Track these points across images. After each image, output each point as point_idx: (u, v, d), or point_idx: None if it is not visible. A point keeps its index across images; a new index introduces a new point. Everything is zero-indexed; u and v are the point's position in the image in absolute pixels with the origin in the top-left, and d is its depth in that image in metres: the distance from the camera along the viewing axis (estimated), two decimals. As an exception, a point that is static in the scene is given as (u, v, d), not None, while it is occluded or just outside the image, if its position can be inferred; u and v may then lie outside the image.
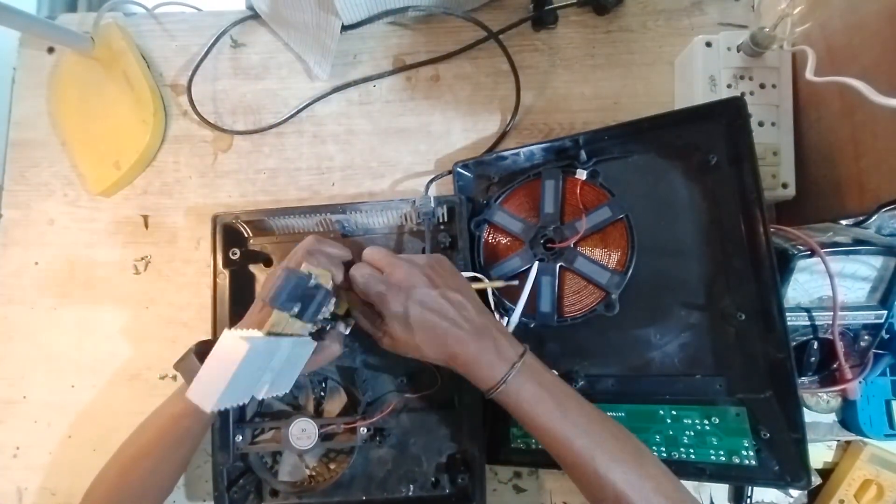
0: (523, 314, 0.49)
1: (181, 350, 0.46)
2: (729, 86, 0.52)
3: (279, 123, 0.60)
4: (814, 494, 0.54)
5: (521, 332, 0.49)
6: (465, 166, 0.54)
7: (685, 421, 0.45)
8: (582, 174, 0.50)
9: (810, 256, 0.42)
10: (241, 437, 0.50)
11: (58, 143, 0.61)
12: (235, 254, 0.53)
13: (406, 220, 0.53)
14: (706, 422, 0.44)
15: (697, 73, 0.53)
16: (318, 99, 0.60)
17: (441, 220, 0.53)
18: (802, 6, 0.47)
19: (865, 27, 0.44)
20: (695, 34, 0.55)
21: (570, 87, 0.60)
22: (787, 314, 0.43)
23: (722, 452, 0.43)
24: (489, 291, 0.49)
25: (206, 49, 0.61)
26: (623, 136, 0.50)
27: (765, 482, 0.43)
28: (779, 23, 0.48)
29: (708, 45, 0.53)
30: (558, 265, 0.49)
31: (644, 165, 0.50)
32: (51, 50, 0.63)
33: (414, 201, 0.51)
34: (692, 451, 0.44)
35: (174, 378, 0.56)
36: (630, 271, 0.47)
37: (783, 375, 0.42)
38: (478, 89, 0.60)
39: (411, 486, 0.51)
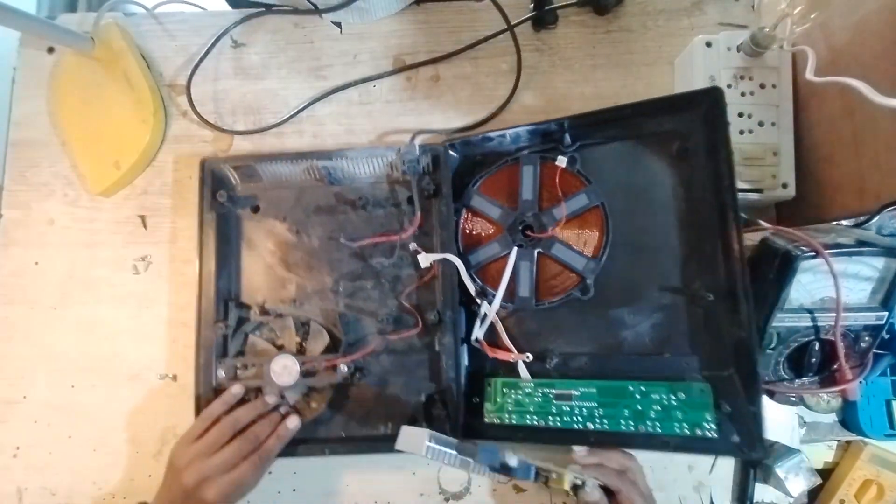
0: (502, 298, 0.50)
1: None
2: (729, 86, 0.52)
3: (279, 123, 0.60)
4: (814, 494, 0.54)
5: (504, 315, 0.51)
6: (452, 146, 0.55)
7: (653, 396, 0.46)
8: (562, 161, 0.51)
9: (814, 257, 0.42)
10: (222, 373, 0.51)
11: (58, 143, 0.61)
12: (223, 196, 0.54)
13: (392, 169, 0.54)
14: (672, 397, 0.46)
15: (697, 73, 0.53)
16: (318, 99, 0.60)
17: (426, 170, 0.54)
18: (802, 6, 0.47)
19: (865, 27, 0.44)
20: (695, 34, 0.55)
21: (570, 87, 0.60)
22: (790, 315, 0.44)
23: (686, 425, 0.45)
24: (463, 274, 0.50)
25: (206, 49, 0.61)
26: (606, 121, 0.51)
27: (724, 452, 0.46)
28: (779, 23, 0.48)
29: (708, 45, 0.53)
30: (536, 251, 0.51)
31: (624, 151, 0.51)
32: (51, 50, 0.63)
33: (399, 149, 0.52)
34: (658, 424, 0.46)
35: (174, 378, 0.56)
36: (604, 257, 0.49)
37: (745, 353, 0.44)
38: (478, 89, 0.60)
39: (390, 423, 0.52)
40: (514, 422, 0.49)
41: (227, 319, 0.53)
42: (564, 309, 0.51)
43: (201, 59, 0.60)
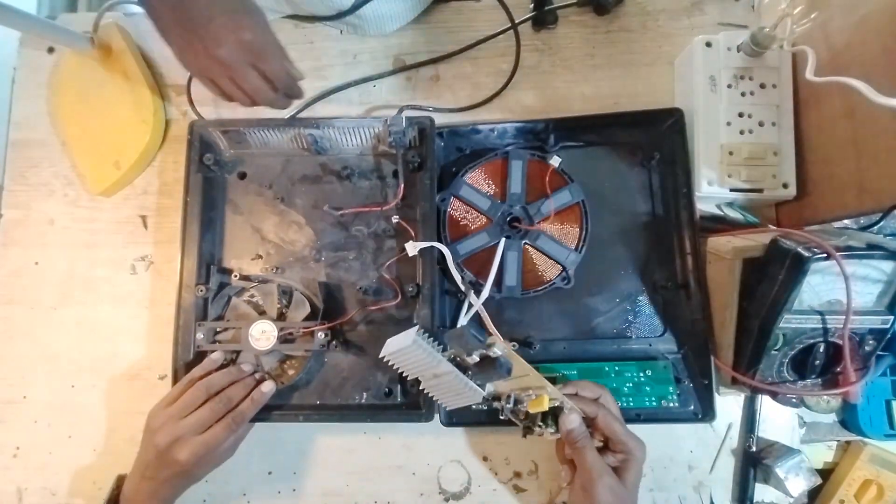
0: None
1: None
2: (729, 86, 0.53)
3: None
4: (814, 494, 0.54)
5: (486, 303, 0.52)
6: (439, 134, 0.55)
7: (626, 374, 0.52)
8: (556, 161, 0.54)
9: (824, 259, 0.42)
10: (201, 335, 0.51)
11: (58, 143, 0.61)
12: (210, 159, 0.54)
13: (378, 141, 0.55)
14: (641, 375, 0.52)
15: (697, 73, 0.53)
16: (318, 99, 0.60)
17: (412, 143, 0.54)
18: (802, 6, 0.47)
19: (865, 27, 0.44)
20: (695, 34, 0.55)
21: (571, 87, 0.60)
22: (797, 316, 0.44)
23: (654, 398, 0.51)
24: (450, 264, 0.51)
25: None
26: (586, 127, 0.56)
27: (684, 420, 0.52)
28: (779, 23, 0.48)
29: (708, 45, 0.53)
30: (523, 242, 0.54)
31: (600, 156, 0.57)
32: (51, 50, 0.63)
33: (386, 120, 0.52)
34: (631, 399, 0.51)
35: (174, 378, 0.56)
36: (584, 250, 0.53)
37: (697, 334, 0.52)
38: (478, 89, 0.60)
39: (365, 393, 0.53)
40: (494, 407, 0.49)
41: (209, 283, 0.53)
42: (544, 298, 0.54)
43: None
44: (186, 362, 0.52)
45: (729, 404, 0.54)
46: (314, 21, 0.60)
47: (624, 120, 0.56)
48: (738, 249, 0.48)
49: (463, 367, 0.43)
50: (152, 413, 0.48)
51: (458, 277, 0.52)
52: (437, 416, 0.51)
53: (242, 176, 0.57)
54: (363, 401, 0.53)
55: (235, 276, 0.54)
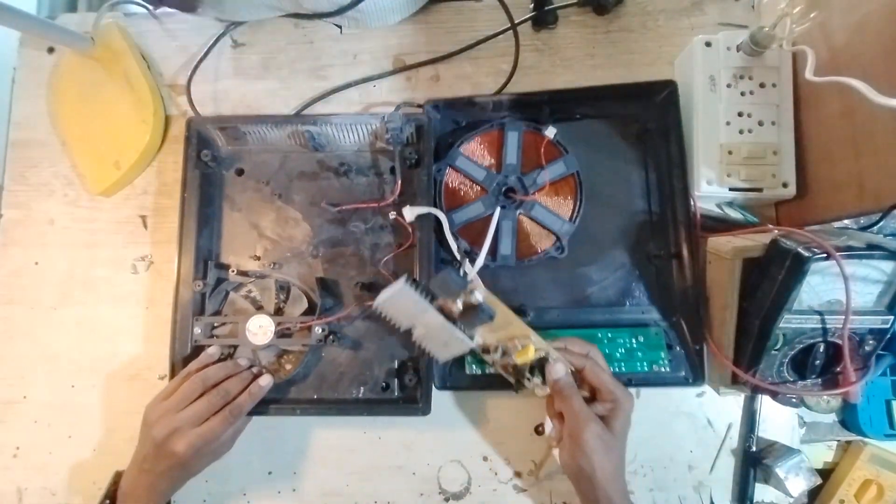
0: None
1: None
2: (729, 85, 0.52)
3: (279, 123, 0.60)
4: (814, 494, 0.54)
5: (481, 272, 0.53)
6: (435, 106, 0.56)
7: (618, 341, 0.53)
8: (551, 132, 0.54)
9: (825, 259, 0.42)
10: (199, 330, 0.52)
11: (58, 143, 0.61)
12: (207, 155, 0.55)
13: (376, 138, 0.55)
14: (633, 340, 0.53)
15: (697, 73, 0.53)
16: (318, 99, 0.60)
17: (409, 139, 0.55)
18: (802, 5, 0.46)
19: (865, 27, 0.44)
20: (695, 34, 0.55)
21: (571, 87, 0.59)
22: (797, 316, 0.44)
23: (645, 363, 0.52)
24: (447, 231, 0.52)
25: (206, 49, 0.61)
26: (582, 99, 0.57)
27: (674, 384, 0.53)
28: (778, 22, 0.48)
29: (708, 44, 0.53)
30: (518, 212, 0.54)
31: (595, 129, 0.57)
32: (51, 50, 0.63)
33: (383, 117, 0.52)
34: (623, 364, 0.52)
35: (171, 373, 0.56)
36: (577, 220, 0.54)
37: (690, 302, 0.52)
38: (478, 89, 0.60)
39: (362, 388, 0.53)
40: (493, 371, 0.51)
41: (206, 278, 0.53)
42: (539, 268, 0.55)
43: (201, 59, 0.60)
44: (184, 357, 0.52)
45: (729, 404, 0.54)
46: (315, 18, 0.60)
47: (619, 92, 0.56)
48: (738, 249, 0.48)
49: (451, 320, 0.44)
50: (149, 406, 0.48)
51: (453, 246, 0.52)
52: (434, 416, 0.51)
53: (240, 172, 0.57)
54: (360, 395, 0.53)
55: (233, 271, 0.54)
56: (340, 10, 0.57)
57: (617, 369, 0.52)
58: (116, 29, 0.60)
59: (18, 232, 0.60)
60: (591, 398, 0.46)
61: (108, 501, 0.47)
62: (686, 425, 0.54)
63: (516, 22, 0.58)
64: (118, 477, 0.49)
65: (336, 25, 0.61)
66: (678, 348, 0.53)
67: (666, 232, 0.54)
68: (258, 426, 0.54)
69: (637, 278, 0.55)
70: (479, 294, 0.43)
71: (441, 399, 0.54)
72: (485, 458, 0.55)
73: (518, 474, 0.54)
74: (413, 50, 0.61)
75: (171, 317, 0.52)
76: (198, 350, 0.52)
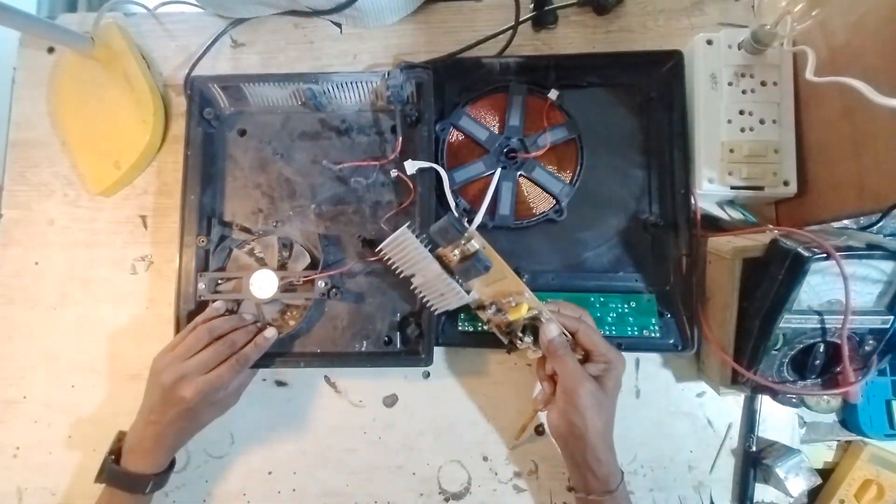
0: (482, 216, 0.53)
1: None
2: (730, 83, 0.52)
3: (279, 123, 0.60)
4: (814, 494, 0.54)
5: (479, 232, 0.52)
6: (442, 66, 0.56)
7: (610, 305, 0.54)
8: (554, 94, 0.56)
9: (825, 259, 0.42)
10: (203, 285, 0.52)
11: (58, 143, 0.61)
12: (210, 113, 0.55)
13: (377, 97, 0.56)
14: (625, 306, 0.54)
15: (698, 71, 0.53)
16: (318, 99, 0.60)
17: (410, 98, 0.55)
18: (803, 3, 0.46)
19: (865, 27, 0.44)
20: (695, 34, 0.55)
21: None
22: (797, 316, 0.45)
23: (636, 328, 0.53)
24: (447, 188, 0.53)
25: (205, 49, 0.60)
26: (587, 66, 0.57)
27: (664, 350, 0.54)
28: (779, 20, 0.48)
29: (709, 42, 0.53)
30: (518, 173, 0.55)
31: (599, 97, 0.58)
32: (51, 50, 0.63)
33: (384, 74, 0.53)
34: (614, 328, 0.53)
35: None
36: (577, 184, 0.55)
37: (683, 271, 0.53)
38: (478, 89, 0.60)
39: (364, 342, 0.54)
40: (486, 329, 0.51)
41: (210, 235, 0.54)
42: (536, 231, 0.56)
43: (199, 58, 0.60)
44: (189, 312, 0.52)
45: (729, 404, 0.54)
46: (313, 16, 0.60)
47: (625, 60, 0.57)
48: (738, 249, 0.48)
49: (449, 271, 0.47)
50: (157, 357, 0.48)
51: (452, 204, 0.53)
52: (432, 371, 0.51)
53: (242, 133, 0.58)
54: (363, 349, 0.54)
55: (236, 227, 0.55)
56: (338, 8, 0.57)
57: (608, 332, 0.52)
58: (116, 29, 0.60)
59: (18, 232, 0.60)
60: (583, 360, 0.46)
61: (112, 457, 0.47)
62: (686, 425, 0.54)
63: (516, 22, 0.57)
64: (121, 436, 0.49)
65: (336, 24, 0.61)
66: (669, 316, 0.53)
67: (664, 200, 0.55)
68: (259, 425, 0.54)
69: (633, 246, 0.55)
70: (477, 242, 0.45)
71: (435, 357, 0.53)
72: (485, 459, 0.55)
73: (518, 474, 0.54)
74: (413, 50, 0.61)
75: (175, 276, 0.53)
76: (202, 306, 0.52)
